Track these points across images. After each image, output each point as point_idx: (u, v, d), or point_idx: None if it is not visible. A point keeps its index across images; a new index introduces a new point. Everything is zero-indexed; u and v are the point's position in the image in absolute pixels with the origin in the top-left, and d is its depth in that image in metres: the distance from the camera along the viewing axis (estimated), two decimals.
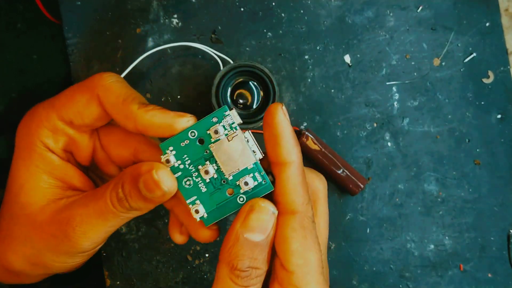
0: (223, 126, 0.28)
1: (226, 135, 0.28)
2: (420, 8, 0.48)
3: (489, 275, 0.47)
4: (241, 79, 0.44)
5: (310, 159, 0.46)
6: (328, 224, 0.30)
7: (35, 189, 0.29)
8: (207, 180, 0.28)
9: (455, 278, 0.47)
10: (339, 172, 0.45)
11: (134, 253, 0.46)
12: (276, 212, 0.26)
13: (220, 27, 0.47)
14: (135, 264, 0.46)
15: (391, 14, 0.48)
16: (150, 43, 0.46)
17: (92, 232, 0.28)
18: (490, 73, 0.48)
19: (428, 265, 0.47)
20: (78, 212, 0.28)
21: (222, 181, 0.28)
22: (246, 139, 0.28)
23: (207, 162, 0.28)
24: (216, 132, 0.28)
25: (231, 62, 0.44)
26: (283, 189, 0.26)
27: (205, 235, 0.30)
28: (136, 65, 0.44)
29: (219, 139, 0.28)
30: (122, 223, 0.29)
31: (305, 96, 0.47)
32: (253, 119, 0.43)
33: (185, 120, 0.28)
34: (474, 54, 0.48)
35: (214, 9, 0.47)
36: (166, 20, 0.47)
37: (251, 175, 0.28)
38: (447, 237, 0.47)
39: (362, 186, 0.45)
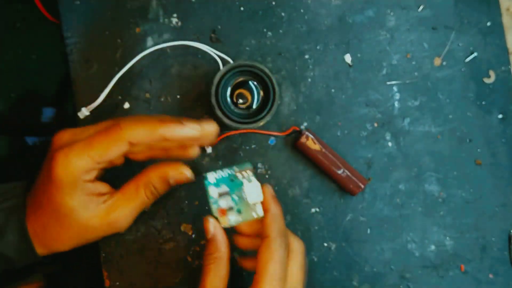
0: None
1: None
2: (421, 7, 0.47)
3: (490, 276, 0.47)
4: (241, 79, 0.43)
5: (310, 159, 0.46)
6: (301, 274, 0.38)
7: (81, 209, 0.37)
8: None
9: (456, 279, 0.47)
10: (339, 172, 0.45)
11: (133, 254, 0.46)
12: (213, 221, 0.39)
13: (220, 27, 0.47)
14: (135, 264, 0.46)
15: (391, 14, 0.47)
16: (150, 42, 0.46)
17: (133, 216, 0.39)
18: (491, 73, 0.48)
19: (429, 266, 0.47)
20: (122, 212, 0.38)
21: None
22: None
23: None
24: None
25: (231, 61, 0.44)
26: (264, 221, 0.38)
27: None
28: (135, 65, 0.44)
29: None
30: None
31: (305, 96, 0.47)
32: (253, 118, 0.43)
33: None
34: (475, 54, 0.47)
35: (214, 8, 0.47)
36: (166, 20, 0.46)
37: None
38: (448, 238, 0.47)
39: (362, 186, 0.45)
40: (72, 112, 0.46)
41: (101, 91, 0.43)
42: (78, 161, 0.35)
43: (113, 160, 0.37)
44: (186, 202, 0.46)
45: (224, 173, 0.40)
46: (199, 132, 0.37)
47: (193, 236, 0.46)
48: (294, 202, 0.47)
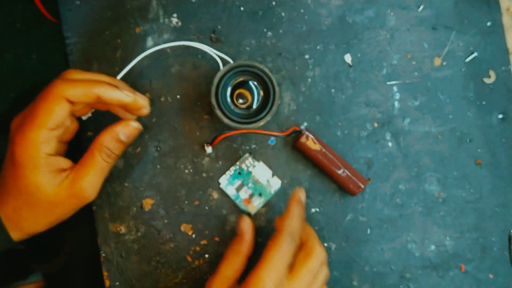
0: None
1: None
2: (421, 7, 0.47)
3: (490, 276, 0.47)
4: (241, 79, 0.43)
5: (310, 159, 0.46)
6: (308, 278, 0.39)
7: (46, 185, 0.37)
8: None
9: (456, 279, 0.47)
10: (339, 172, 0.45)
11: (133, 254, 0.46)
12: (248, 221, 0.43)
13: (220, 27, 0.47)
14: (135, 264, 0.46)
15: (391, 14, 0.47)
16: (150, 42, 0.46)
17: (97, 183, 0.39)
18: (491, 73, 0.48)
19: (429, 266, 0.47)
20: (85, 180, 0.39)
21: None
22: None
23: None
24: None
25: (231, 61, 0.44)
26: (284, 215, 0.41)
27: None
28: (135, 65, 0.44)
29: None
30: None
31: (306, 96, 0.47)
32: (253, 119, 0.43)
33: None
34: (475, 54, 0.47)
35: (214, 8, 0.47)
36: (166, 20, 0.46)
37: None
38: (448, 238, 0.47)
39: (362, 186, 0.45)
40: None
41: None
42: (32, 134, 0.36)
43: (64, 122, 0.38)
44: (186, 202, 0.46)
45: (231, 171, 0.45)
46: (132, 99, 0.39)
47: (193, 236, 0.46)
48: None
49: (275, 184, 0.46)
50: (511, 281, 0.47)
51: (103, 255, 0.46)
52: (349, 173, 0.45)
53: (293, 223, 0.40)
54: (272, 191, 0.46)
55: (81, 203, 0.39)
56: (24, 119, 0.37)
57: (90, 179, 0.39)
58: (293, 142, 0.46)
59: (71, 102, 0.37)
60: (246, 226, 0.43)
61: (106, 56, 0.46)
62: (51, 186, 0.37)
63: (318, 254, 0.40)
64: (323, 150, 0.45)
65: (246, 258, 0.41)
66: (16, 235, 0.39)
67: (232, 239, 0.46)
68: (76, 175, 0.38)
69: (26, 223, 0.39)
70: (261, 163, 0.45)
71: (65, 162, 0.39)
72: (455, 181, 0.47)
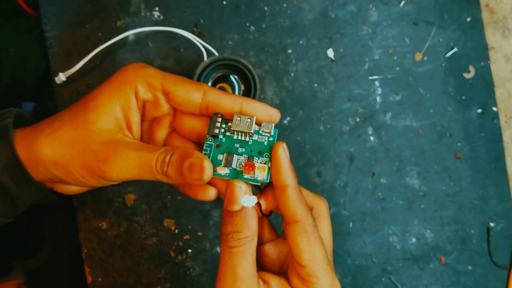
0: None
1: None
2: (402, 3, 0.48)
3: (469, 267, 0.48)
4: (222, 73, 0.43)
5: None
6: (331, 235, 0.36)
7: (107, 114, 0.34)
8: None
9: (436, 271, 0.48)
10: None
11: (116, 250, 0.45)
12: (244, 187, 0.32)
13: (202, 21, 0.46)
14: (117, 260, 0.45)
15: (373, 9, 0.48)
16: (131, 36, 0.46)
17: (126, 170, 0.32)
18: (471, 68, 0.48)
19: (410, 258, 0.48)
20: (127, 150, 0.33)
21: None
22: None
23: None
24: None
25: (216, 53, 0.44)
26: (285, 205, 0.32)
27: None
28: (116, 59, 0.43)
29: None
30: (147, 178, 0.33)
31: (288, 91, 0.47)
32: None
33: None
34: (455, 49, 0.48)
35: (197, 2, 0.46)
36: (147, 13, 0.46)
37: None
38: (428, 230, 0.48)
39: None
40: (52, 106, 0.45)
41: (82, 85, 0.43)
42: (149, 70, 0.34)
43: (175, 101, 0.34)
44: (169, 197, 0.46)
45: (206, 148, 0.35)
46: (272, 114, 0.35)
47: (176, 231, 0.46)
48: None
49: (268, 128, 0.34)
50: (489, 272, 0.48)
51: (85, 251, 0.45)
52: None
53: (299, 199, 0.32)
54: (271, 140, 0.34)
55: (97, 174, 0.33)
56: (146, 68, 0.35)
57: (130, 159, 0.32)
58: None
59: (205, 102, 0.34)
60: (243, 196, 0.32)
61: (86, 49, 0.45)
62: (104, 125, 0.33)
63: (326, 209, 0.36)
64: None
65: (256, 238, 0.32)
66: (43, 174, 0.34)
67: (216, 233, 0.46)
68: (123, 146, 0.33)
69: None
70: (235, 116, 0.34)
71: (136, 131, 0.35)
72: (435, 174, 0.48)
